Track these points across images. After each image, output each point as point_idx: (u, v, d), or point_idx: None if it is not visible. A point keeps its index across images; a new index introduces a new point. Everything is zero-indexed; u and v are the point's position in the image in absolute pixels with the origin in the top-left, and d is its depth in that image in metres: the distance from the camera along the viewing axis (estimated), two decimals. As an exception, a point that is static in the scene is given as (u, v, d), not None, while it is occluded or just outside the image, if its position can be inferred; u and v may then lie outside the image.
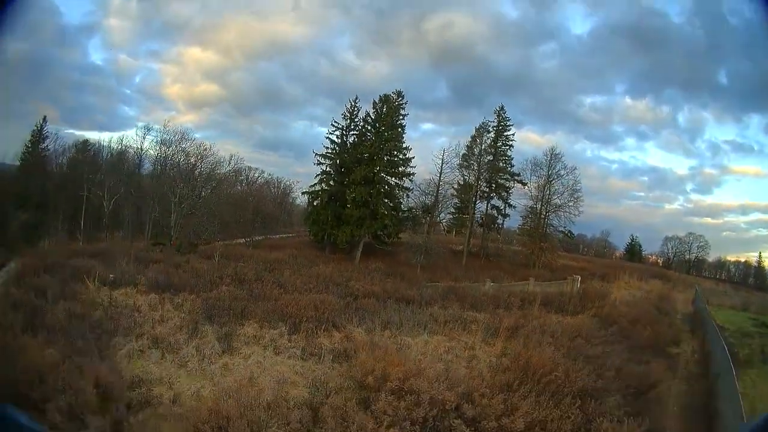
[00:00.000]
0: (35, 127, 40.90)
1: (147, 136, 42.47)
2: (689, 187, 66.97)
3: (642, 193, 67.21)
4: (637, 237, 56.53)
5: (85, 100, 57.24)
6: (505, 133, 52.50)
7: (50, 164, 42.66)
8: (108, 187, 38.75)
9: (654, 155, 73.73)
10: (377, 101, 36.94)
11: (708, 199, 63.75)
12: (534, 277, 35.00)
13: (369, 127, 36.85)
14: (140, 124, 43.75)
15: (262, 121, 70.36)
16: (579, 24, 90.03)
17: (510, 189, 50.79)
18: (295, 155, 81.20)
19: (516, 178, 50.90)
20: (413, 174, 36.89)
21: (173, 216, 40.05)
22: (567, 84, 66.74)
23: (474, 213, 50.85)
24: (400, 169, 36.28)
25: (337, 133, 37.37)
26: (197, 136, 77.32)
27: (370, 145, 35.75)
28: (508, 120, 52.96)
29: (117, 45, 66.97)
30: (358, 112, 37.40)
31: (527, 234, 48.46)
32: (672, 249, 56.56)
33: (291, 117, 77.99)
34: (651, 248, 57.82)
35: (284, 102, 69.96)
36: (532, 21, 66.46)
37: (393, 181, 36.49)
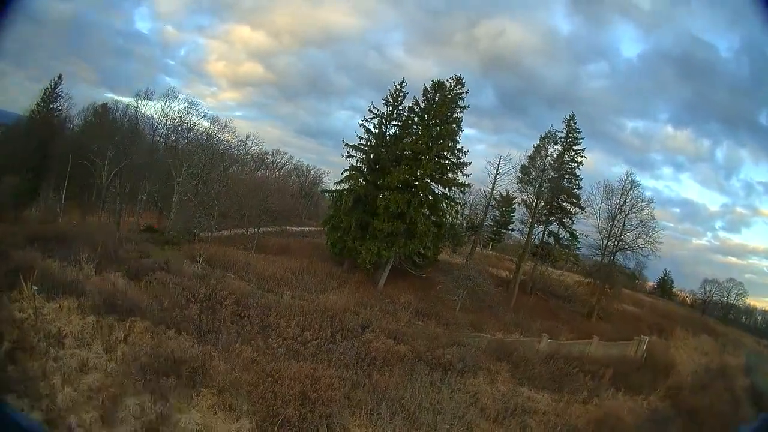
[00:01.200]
0: (48, 85, 36.85)
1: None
2: (718, 224, 65.38)
3: (671, 224, 64.92)
4: (669, 272, 53.53)
5: (127, 66, 56.11)
6: (574, 147, 43.69)
7: (62, 126, 38.18)
8: (109, 157, 33.30)
9: (688, 188, 68.95)
10: (429, 87, 29.34)
11: (735, 239, 61.71)
12: (597, 335, 28.31)
13: (416, 119, 29.35)
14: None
15: (305, 107, 69.53)
16: (630, 46, 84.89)
17: (574, 215, 42.15)
18: (334, 144, 79.42)
19: (579, 203, 42.32)
20: (468, 186, 29.33)
21: (175, 196, 34.40)
22: (611, 105, 65.83)
23: (530, 238, 42.51)
24: (449, 175, 28.51)
25: (375, 121, 30.04)
26: (237, 114, 77.15)
27: (416, 141, 28.21)
28: (579, 132, 44.10)
29: (164, 16, 65.59)
30: (403, 99, 29.90)
31: (588, 274, 40.31)
32: (710, 292, 51.96)
33: (334, 106, 75.13)
34: (677, 281, 55.56)
35: (329, 90, 69.17)
36: (584, 38, 65.26)
37: (440, 190, 28.72)
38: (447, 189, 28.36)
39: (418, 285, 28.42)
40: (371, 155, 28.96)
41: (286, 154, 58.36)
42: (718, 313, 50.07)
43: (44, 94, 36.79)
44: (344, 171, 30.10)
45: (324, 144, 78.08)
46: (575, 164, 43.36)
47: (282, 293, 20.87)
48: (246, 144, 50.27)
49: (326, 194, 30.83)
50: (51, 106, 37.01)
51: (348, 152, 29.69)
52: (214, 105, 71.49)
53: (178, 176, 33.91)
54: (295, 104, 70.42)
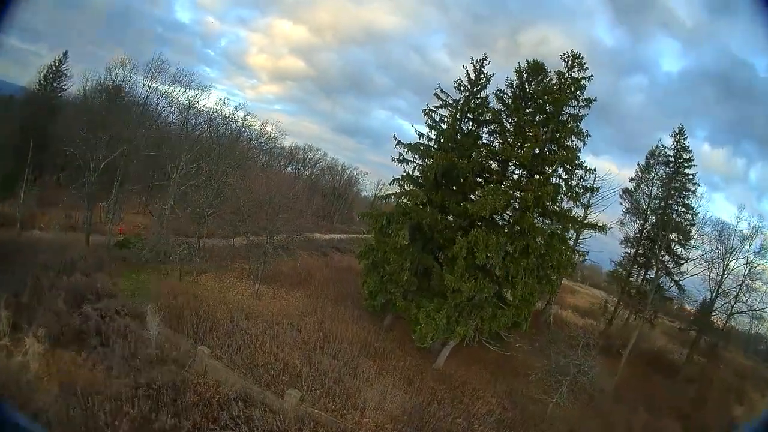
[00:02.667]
0: (53, 62, 32.04)
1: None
2: (747, 245, 53.91)
3: (701, 244, 54.70)
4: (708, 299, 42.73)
5: (165, 54, 56.18)
6: (686, 170, 32.93)
7: (60, 106, 32.02)
8: (100, 143, 26.08)
9: (721, 208, 70.06)
10: (521, 68, 19.97)
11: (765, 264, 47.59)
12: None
13: (507, 111, 19.76)
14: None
15: (344, 104, 69.27)
16: (670, 62, 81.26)
17: (682, 262, 31.26)
18: (371, 143, 75.02)
19: (691, 243, 31.40)
20: (603, 228, 19.46)
21: (171, 188, 26.51)
22: (649, 119, 65.12)
23: (627, 286, 32.12)
24: (565, 205, 18.16)
25: (444, 113, 20.33)
26: (276, 107, 75.36)
27: (517, 146, 18.55)
28: (689, 151, 33.35)
29: (205, 6, 66.58)
30: (486, 83, 20.13)
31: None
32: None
33: (373, 105, 76.66)
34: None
35: (368, 89, 70.98)
36: (626, 51, 66.26)
37: (553, 228, 18.09)
38: (562, 224, 18.12)
39: (495, 362, 19.15)
40: (438, 163, 19.05)
41: (319, 150, 52.26)
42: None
43: (47, 71, 31.83)
44: (393, 181, 20.95)
45: (361, 142, 75.05)
46: (687, 192, 32.97)
47: (285, 391, 12.38)
48: (266, 132, 43.54)
49: (366, 219, 21.34)
50: (54, 84, 32.66)
51: (401, 154, 20.24)
52: (253, 97, 69.86)
53: (176, 170, 26.28)
54: (334, 101, 69.66)
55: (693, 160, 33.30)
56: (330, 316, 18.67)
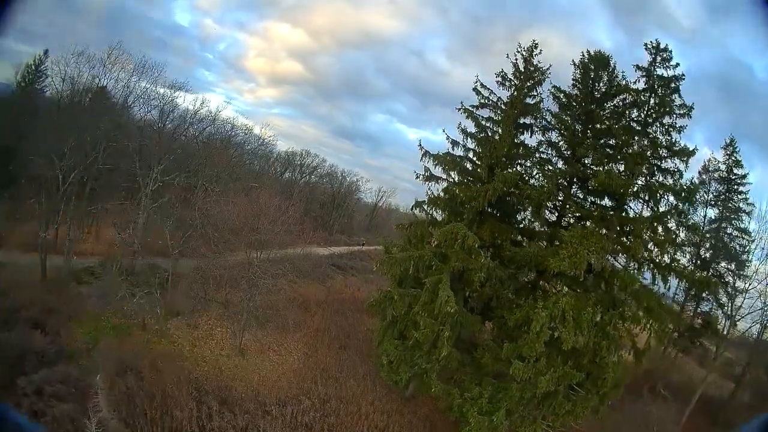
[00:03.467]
0: (31, 62, 28.58)
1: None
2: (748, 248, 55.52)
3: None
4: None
5: (164, 57, 55.30)
6: (738, 186, 28.50)
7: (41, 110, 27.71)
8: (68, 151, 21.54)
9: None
10: (582, 61, 15.71)
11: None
12: None
13: (571, 116, 15.34)
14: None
15: (343, 108, 68.14)
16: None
17: (738, 293, 26.58)
18: (370, 147, 74.08)
19: (745, 273, 26.77)
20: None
21: (143, 202, 21.28)
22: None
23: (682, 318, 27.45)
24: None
25: (485, 114, 15.54)
26: (274, 111, 73.40)
27: (604, 171, 13.70)
28: (739, 160, 28.86)
29: (203, 9, 64.64)
30: (541, 78, 15.29)
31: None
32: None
33: (371, 108, 75.99)
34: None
35: (367, 93, 69.70)
36: (624, 54, 62.05)
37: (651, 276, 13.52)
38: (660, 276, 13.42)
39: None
40: (493, 187, 13.91)
41: (317, 155, 48.69)
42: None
43: (25, 71, 28.42)
44: (416, 205, 16.22)
45: (360, 146, 73.32)
46: (742, 212, 28.57)
47: None
48: (260, 136, 39.69)
49: (382, 266, 15.03)
50: (34, 85, 29.30)
51: (427, 170, 15.59)
52: (251, 101, 67.86)
53: (148, 183, 21.45)
54: (332, 105, 69.29)
55: (747, 176, 29.05)
56: (336, 390, 13.86)
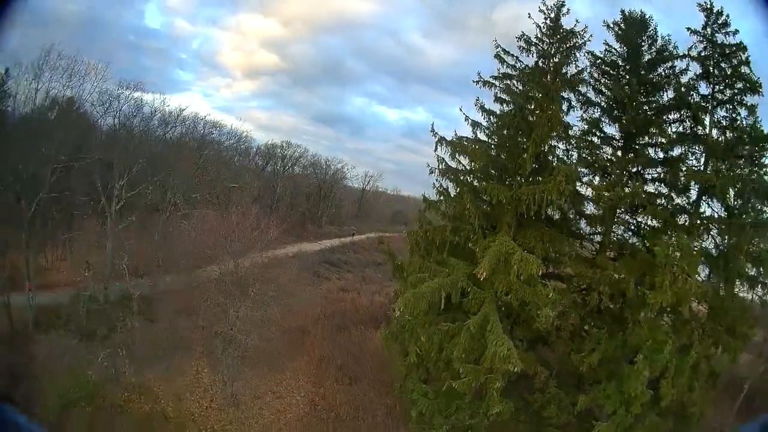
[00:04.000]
0: None
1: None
2: None
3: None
4: None
5: (140, 61, 51.02)
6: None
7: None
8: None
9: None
10: (620, 20, 12.63)
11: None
12: None
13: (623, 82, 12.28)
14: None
15: (321, 94, 66.54)
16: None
17: None
18: (350, 130, 72.64)
19: None
20: None
21: (108, 225, 17.82)
22: None
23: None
24: None
25: (507, 87, 12.29)
26: (252, 104, 71.24)
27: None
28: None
29: (174, 10, 61.80)
30: (580, 43, 11.97)
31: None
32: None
33: (350, 92, 73.79)
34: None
35: (344, 77, 66.80)
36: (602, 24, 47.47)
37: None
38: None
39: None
40: (540, 187, 10.84)
41: (299, 146, 46.64)
42: None
43: None
44: (428, 206, 13.33)
45: (340, 131, 73.02)
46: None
47: None
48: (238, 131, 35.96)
49: (405, 307, 10.83)
50: None
51: (442, 160, 12.60)
52: (229, 96, 66.02)
53: (112, 202, 18.21)
54: (310, 92, 67.59)
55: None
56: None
